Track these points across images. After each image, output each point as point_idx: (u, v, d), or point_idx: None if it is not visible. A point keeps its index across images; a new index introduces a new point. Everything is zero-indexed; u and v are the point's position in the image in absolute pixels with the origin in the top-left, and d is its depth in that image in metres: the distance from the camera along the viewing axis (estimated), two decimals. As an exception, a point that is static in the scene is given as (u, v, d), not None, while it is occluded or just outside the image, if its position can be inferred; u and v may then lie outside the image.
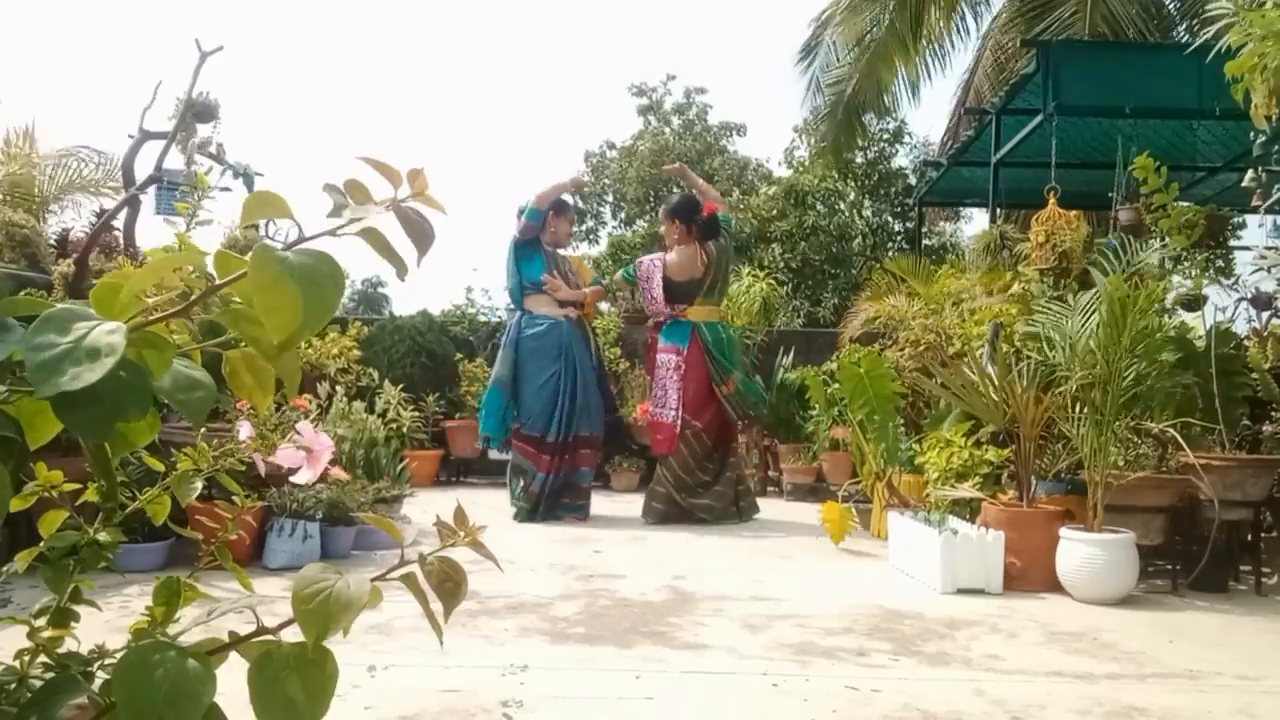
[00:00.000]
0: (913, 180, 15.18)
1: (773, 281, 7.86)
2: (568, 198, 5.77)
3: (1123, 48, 8.22)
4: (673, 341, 5.46)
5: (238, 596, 0.84)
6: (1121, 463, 3.81)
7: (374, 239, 0.69)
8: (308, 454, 1.01)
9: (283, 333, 0.63)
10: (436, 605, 0.79)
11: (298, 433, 1.01)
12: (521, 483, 5.35)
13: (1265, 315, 4.30)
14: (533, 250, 5.47)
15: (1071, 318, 3.98)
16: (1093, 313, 3.90)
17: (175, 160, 4.96)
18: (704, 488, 5.36)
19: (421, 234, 0.70)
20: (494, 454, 6.52)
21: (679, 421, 5.33)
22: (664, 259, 5.56)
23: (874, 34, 10.80)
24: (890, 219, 15.98)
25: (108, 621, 1.14)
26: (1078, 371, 3.80)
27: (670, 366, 5.44)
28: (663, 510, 5.29)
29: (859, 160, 15.29)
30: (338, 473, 1.12)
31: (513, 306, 5.66)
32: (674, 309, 5.48)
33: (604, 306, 11.90)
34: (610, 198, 19.15)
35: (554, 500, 5.34)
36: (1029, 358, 4.07)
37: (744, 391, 5.54)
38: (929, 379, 4.70)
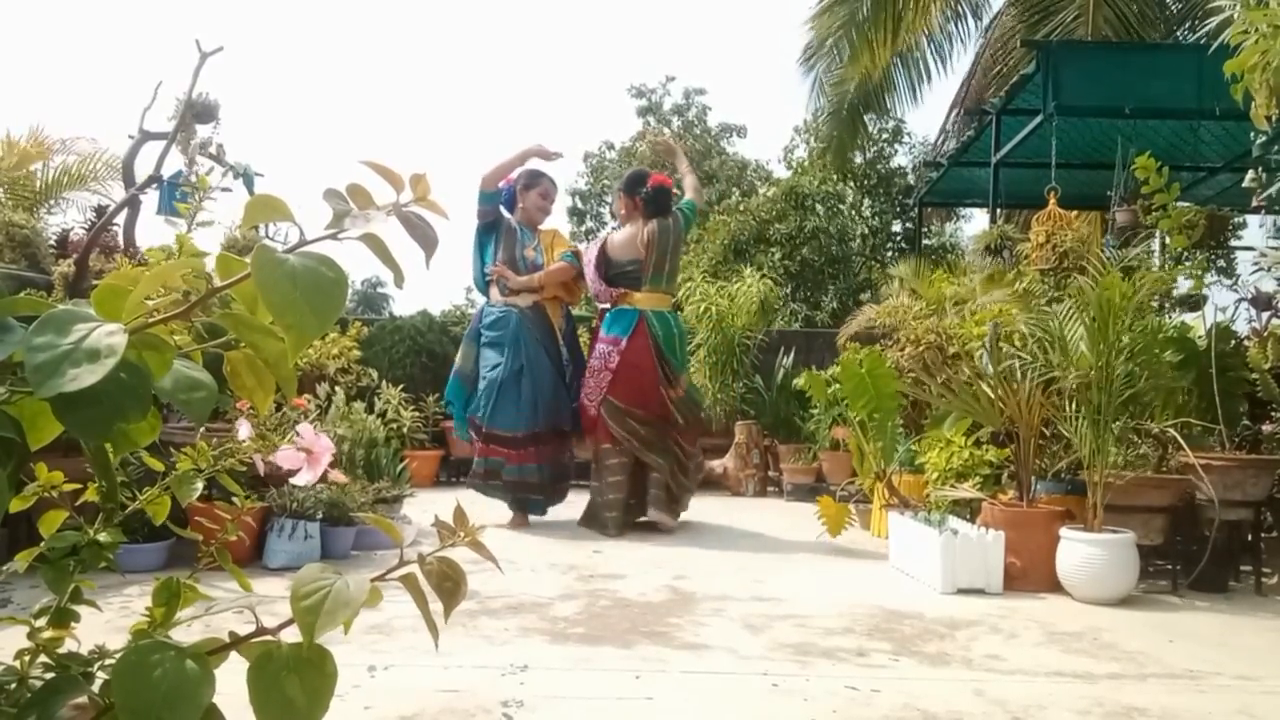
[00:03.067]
0: (912, 180, 15.19)
1: (770, 281, 7.85)
2: (540, 167, 5.14)
3: (1123, 48, 8.22)
4: (612, 333, 4.92)
5: (238, 597, 0.84)
6: (1121, 463, 3.81)
7: (375, 244, 0.69)
8: (308, 456, 1.01)
9: (294, 332, 0.63)
10: (436, 606, 0.79)
11: (298, 434, 1.02)
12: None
13: (1265, 315, 4.30)
14: (492, 233, 5.08)
15: (1065, 318, 3.98)
16: (1073, 315, 3.90)
17: (176, 161, 4.97)
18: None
19: (425, 237, 0.71)
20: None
21: (603, 417, 4.86)
22: (608, 237, 5.17)
23: (854, 33, 10.83)
24: (890, 219, 15.99)
25: (108, 622, 1.15)
26: (1073, 372, 3.80)
27: (604, 359, 4.90)
28: (672, 509, 4.92)
29: (858, 160, 15.30)
30: (337, 475, 1.12)
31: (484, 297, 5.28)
32: (617, 292, 4.98)
33: (604, 307, 11.85)
34: (609, 198, 19.16)
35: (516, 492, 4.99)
36: (1025, 359, 4.07)
37: (692, 397, 5.13)
38: (929, 380, 4.70)
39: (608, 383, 4.85)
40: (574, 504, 6.09)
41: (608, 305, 5.03)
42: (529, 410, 4.90)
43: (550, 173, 5.21)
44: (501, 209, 5.13)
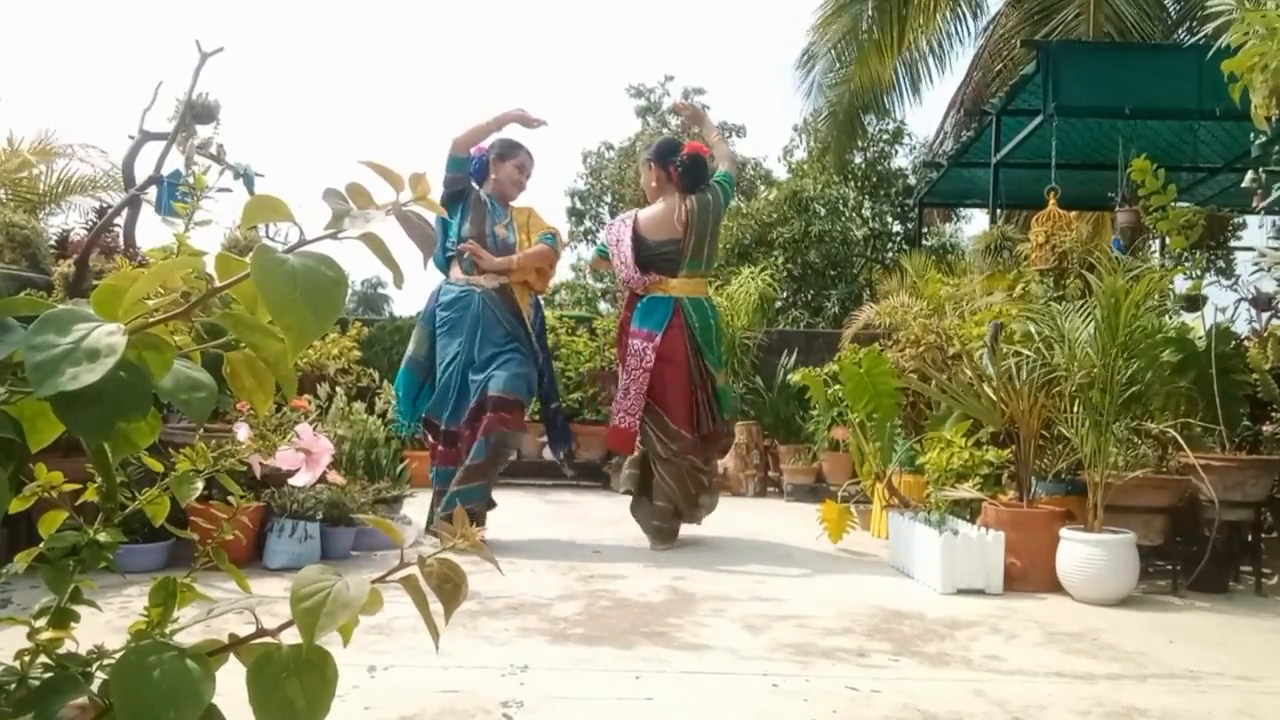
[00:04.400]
0: (913, 181, 15.20)
1: (768, 279, 7.86)
2: (518, 138, 4.64)
3: (1123, 48, 8.23)
4: (646, 325, 4.44)
5: (237, 597, 0.84)
6: (1122, 463, 3.81)
7: (374, 244, 0.69)
8: (307, 456, 1.01)
9: (293, 333, 0.63)
10: (436, 606, 0.79)
11: (298, 435, 1.02)
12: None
13: (1265, 316, 4.30)
14: (456, 204, 4.50)
15: (1069, 317, 3.98)
16: (1088, 315, 3.90)
17: (176, 161, 4.97)
18: (705, 493, 4.67)
19: (424, 236, 0.71)
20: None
21: (638, 422, 4.43)
22: (638, 215, 4.62)
23: (858, 36, 10.86)
24: (890, 220, 15.99)
25: (108, 622, 1.15)
26: (1076, 372, 3.80)
27: (640, 357, 4.42)
28: (671, 529, 4.53)
29: (858, 161, 15.30)
30: (335, 477, 1.12)
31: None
32: (650, 278, 4.50)
33: (604, 307, 11.76)
34: (609, 198, 19.17)
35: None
36: (1027, 358, 4.06)
37: (722, 397, 4.63)
38: (928, 380, 4.70)
39: (647, 385, 4.40)
40: (573, 505, 6.11)
41: (639, 293, 4.55)
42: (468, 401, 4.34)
43: (529, 144, 4.66)
44: (471, 181, 4.60)
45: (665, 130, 18.55)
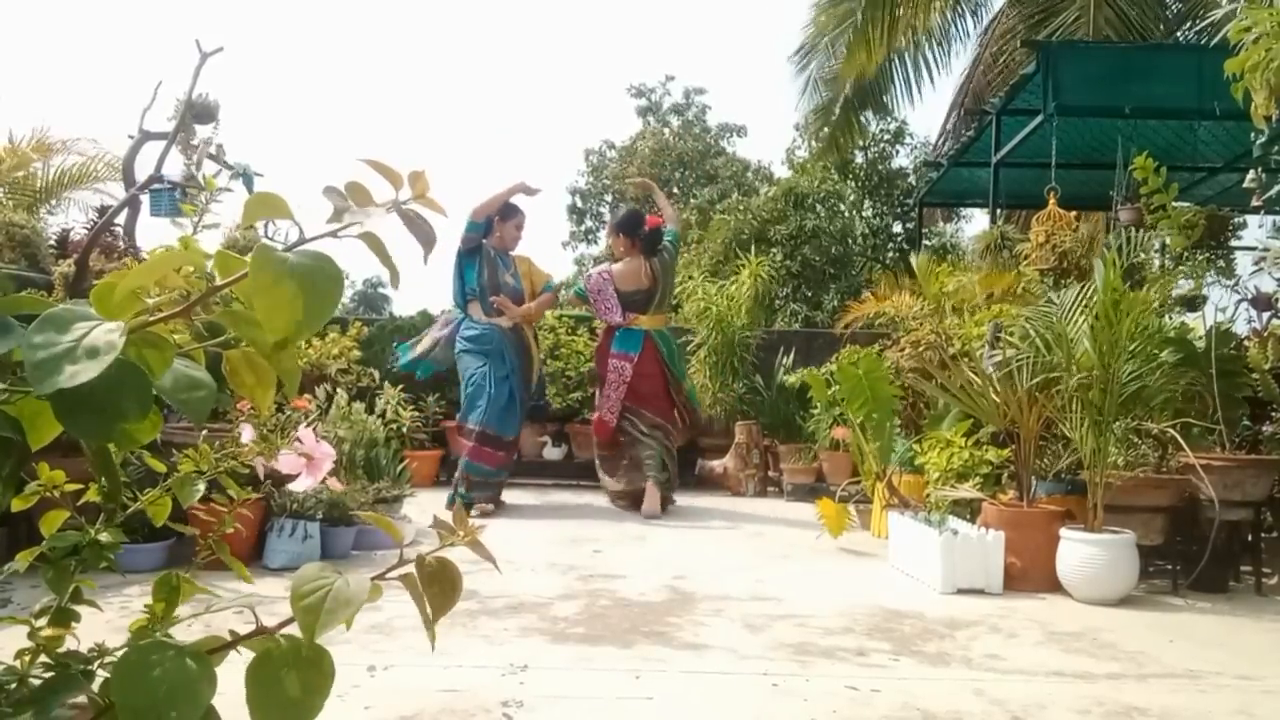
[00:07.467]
0: (914, 181, 15.19)
1: (763, 275, 7.84)
2: (517, 200, 5.74)
3: (1123, 48, 8.22)
4: (625, 349, 5.75)
5: (238, 596, 0.84)
6: (1121, 463, 3.80)
7: (372, 242, 0.69)
8: (308, 461, 1.01)
9: (281, 333, 0.63)
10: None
11: (299, 440, 1.01)
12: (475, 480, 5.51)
13: (1265, 315, 4.29)
14: (473, 257, 5.58)
15: (1069, 317, 3.98)
16: (1081, 312, 3.90)
17: (176, 161, 4.96)
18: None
19: (425, 234, 0.71)
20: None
21: (619, 419, 5.80)
22: (611, 270, 5.85)
23: (853, 28, 10.84)
24: (890, 219, 15.99)
25: (108, 621, 1.15)
26: (1075, 372, 3.80)
27: (620, 373, 5.75)
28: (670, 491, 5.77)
29: (859, 161, 15.29)
30: (334, 483, 1.12)
31: (458, 312, 5.79)
32: (626, 318, 5.81)
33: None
34: (610, 197, 19.16)
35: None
36: (1023, 351, 4.06)
37: (690, 400, 6.09)
38: (929, 380, 4.70)
39: (626, 393, 5.69)
40: (573, 505, 6.10)
41: (619, 323, 5.82)
42: (517, 416, 5.57)
43: (524, 207, 5.83)
44: (482, 238, 5.64)
45: (666, 130, 18.57)
